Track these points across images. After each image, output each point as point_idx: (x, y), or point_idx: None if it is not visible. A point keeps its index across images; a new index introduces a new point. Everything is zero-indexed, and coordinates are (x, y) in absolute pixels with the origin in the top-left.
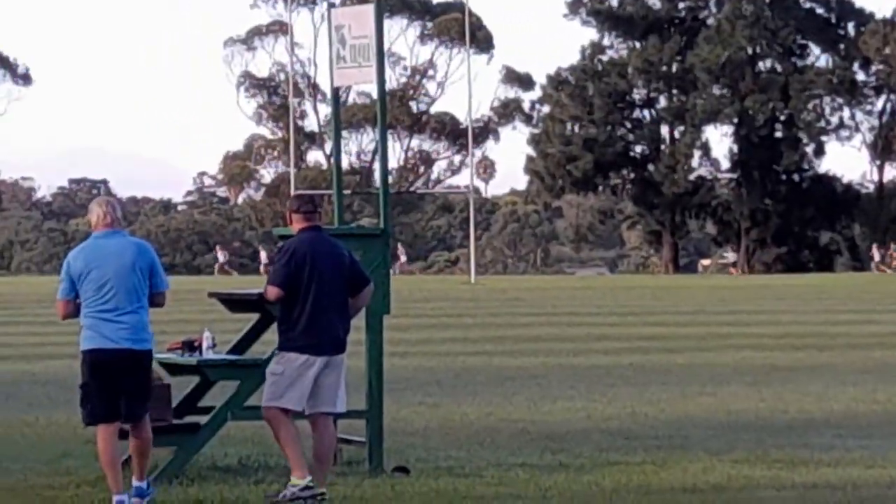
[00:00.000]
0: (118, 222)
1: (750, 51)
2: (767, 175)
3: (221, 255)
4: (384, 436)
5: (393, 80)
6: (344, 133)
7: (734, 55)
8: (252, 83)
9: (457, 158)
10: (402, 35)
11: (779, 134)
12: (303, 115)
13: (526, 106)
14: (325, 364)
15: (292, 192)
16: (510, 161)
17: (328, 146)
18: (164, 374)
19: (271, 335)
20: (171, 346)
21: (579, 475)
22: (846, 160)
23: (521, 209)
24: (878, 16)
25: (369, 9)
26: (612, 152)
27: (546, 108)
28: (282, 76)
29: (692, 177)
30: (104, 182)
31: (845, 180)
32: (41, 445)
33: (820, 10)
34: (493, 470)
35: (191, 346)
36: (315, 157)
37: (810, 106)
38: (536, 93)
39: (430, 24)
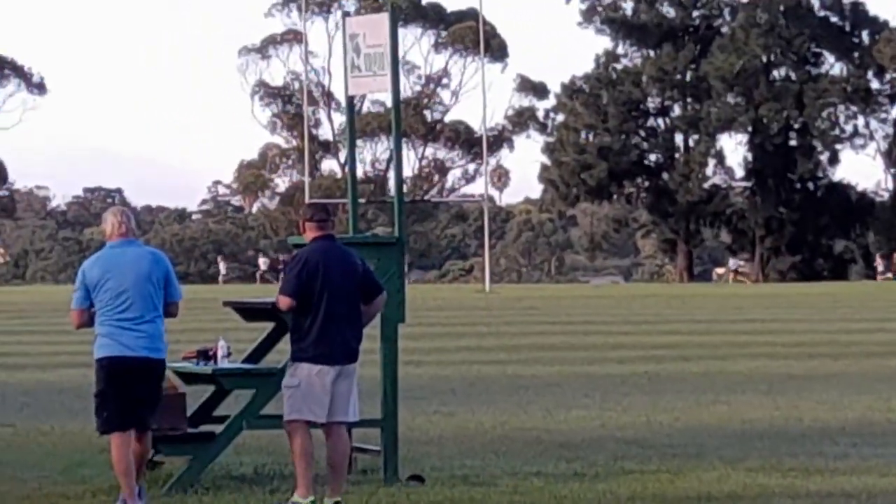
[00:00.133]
0: (133, 232)
1: (764, 59)
2: (782, 183)
3: (263, 263)
4: (399, 444)
5: (407, 88)
6: (358, 142)
7: (748, 63)
8: (267, 92)
9: (471, 167)
10: (417, 44)
11: (793, 142)
12: (317, 124)
13: (540, 114)
14: (337, 373)
15: (306, 201)
16: (524, 170)
17: (342, 155)
18: (179, 383)
19: (286, 344)
20: (187, 355)
21: (594, 484)
22: (861, 168)
23: (536, 218)
24: (893, 24)
25: (384, 17)
26: (627, 161)
27: (560, 117)
28: (296, 85)
29: (706, 185)
30: (119, 191)
31: (860, 188)
32: (56, 454)
33: (834, 19)
34: (508, 479)
35: (206, 355)
36: (329, 165)
37: (825, 114)
38: (551, 101)
39: (444, 33)
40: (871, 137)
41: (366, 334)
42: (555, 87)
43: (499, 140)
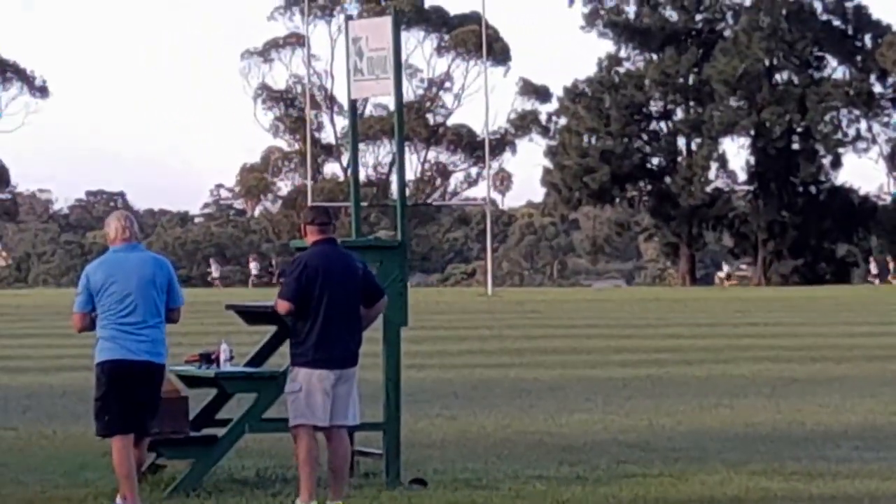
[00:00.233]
0: (136, 236)
1: (767, 63)
2: (784, 187)
3: (254, 268)
4: (401, 448)
5: (410, 92)
6: (361, 145)
7: (751, 67)
8: (269, 95)
9: (473, 170)
10: (419, 47)
11: (796, 146)
12: (320, 128)
13: (543, 118)
14: (337, 377)
15: (308, 205)
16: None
17: (345, 158)
18: (181, 386)
19: (288, 347)
20: (189, 358)
21: (597, 487)
22: (863, 172)
23: (538, 221)
24: (895, 28)
25: (386, 21)
26: (629, 164)
27: (563, 121)
28: (299, 88)
29: (709, 189)
30: (121, 194)
31: (862, 192)
32: (59, 457)
33: (837, 23)
34: (511, 482)
35: (208, 359)
36: (332, 169)
37: (827, 118)
38: (553, 105)
39: (447, 37)
40: (874, 141)
41: (368, 337)
42: (557, 91)
43: (501, 143)
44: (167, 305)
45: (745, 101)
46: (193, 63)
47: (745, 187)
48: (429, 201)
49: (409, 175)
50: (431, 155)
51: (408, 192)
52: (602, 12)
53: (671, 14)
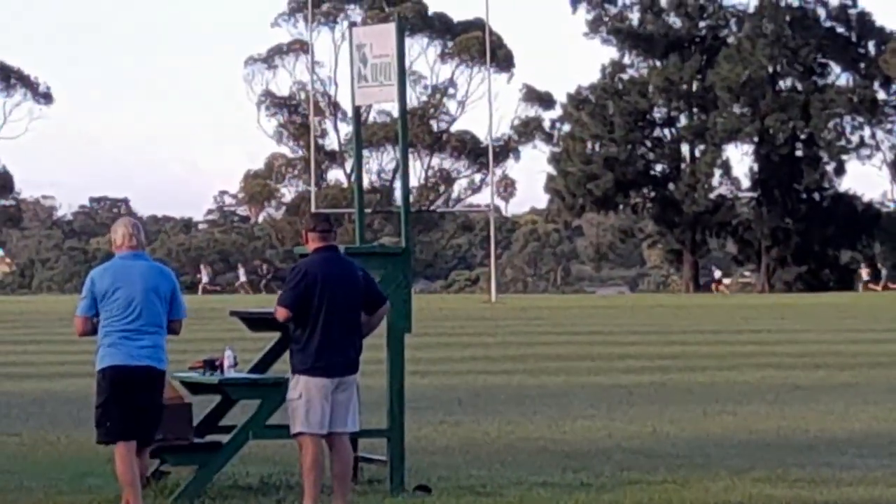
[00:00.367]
0: (142, 245)
1: (770, 69)
2: (788, 194)
3: (242, 274)
4: (405, 454)
5: (413, 98)
6: (364, 152)
7: (755, 74)
8: (273, 102)
9: (477, 177)
10: (423, 54)
11: (799, 153)
12: (323, 134)
13: (546, 125)
14: (336, 385)
15: (310, 212)
16: (530, 180)
17: (349, 165)
18: (185, 392)
19: (289, 355)
20: (193, 364)
21: (600, 494)
22: (866, 179)
23: (542, 228)
24: None
25: (390, 28)
26: (633, 171)
27: (566, 127)
28: (302, 95)
29: (712, 195)
30: (125, 201)
31: (866, 199)
32: (62, 463)
33: (841, 29)
34: (515, 489)
35: (212, 365)
36: (336, 175)
37: (831, 125)
38: (557, 111)
39: (450, 43)
40: (878, 148)
41: (372, 344)
42: (561, 98)
43: (505, 150)
44: (170, 316)
45: (749, 108)
46: (197, 69)
47: (749, 194)
48: (432, 208)
49: (413, 182)
50: (435, 161)
51: (411, 198)
52: (605, 19)
53: (675, 21)
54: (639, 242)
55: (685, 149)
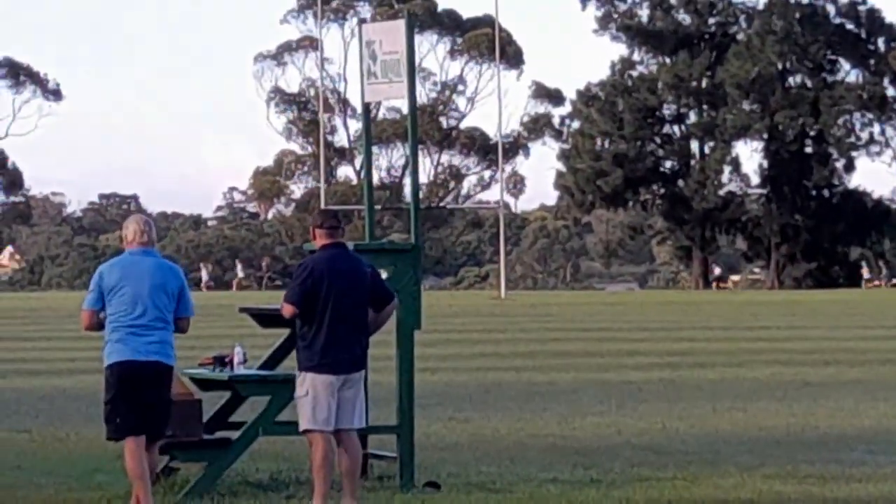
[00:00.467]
0: (153, 242)
1: (780, 66)
2: (797, 191)
3: (240, 271)
4: (415, 451)
5: (423, 95)
6: (374, 148)
7: (764, 70)
8: (282, 98)
9: (487, 174)
10: (433, 50)
11: (809, 149)
12: (333, 131)
13: (556, 121)
14: (343, 382)
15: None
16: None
17: (358, 161)
18: (194, 389)
19: (296, 352)
20: (203, 361)
21: (610, 490)
22: (876, 176)
23: (551, 224)
24: None
25: (400, 24)
26: (642, 168)
27: (576, 124)
28: (312, 91)
29: (722, 192)
30: (134, 197)
31: (875, 196)
32: (72, 460)
33: (850, 26)
34: (524, 485)
35: (222, 362)
36: (345, 172)
37: (840, 121)
38: (566, 108)
39: (459, 40)
40: (887, 145)
41: (382, 341)
42: (570, 94)
43: (514, 147)
44: (177, 314)
45: (759, 105)
46: (206, 66)
47: (759, 191)
48: (442, 204)
49: (423, 178)
50: (444, 158)
51: (421, 195)
52: (615, 16)
53: (684, 17)
54: (648, 239)
55: (695, 145)
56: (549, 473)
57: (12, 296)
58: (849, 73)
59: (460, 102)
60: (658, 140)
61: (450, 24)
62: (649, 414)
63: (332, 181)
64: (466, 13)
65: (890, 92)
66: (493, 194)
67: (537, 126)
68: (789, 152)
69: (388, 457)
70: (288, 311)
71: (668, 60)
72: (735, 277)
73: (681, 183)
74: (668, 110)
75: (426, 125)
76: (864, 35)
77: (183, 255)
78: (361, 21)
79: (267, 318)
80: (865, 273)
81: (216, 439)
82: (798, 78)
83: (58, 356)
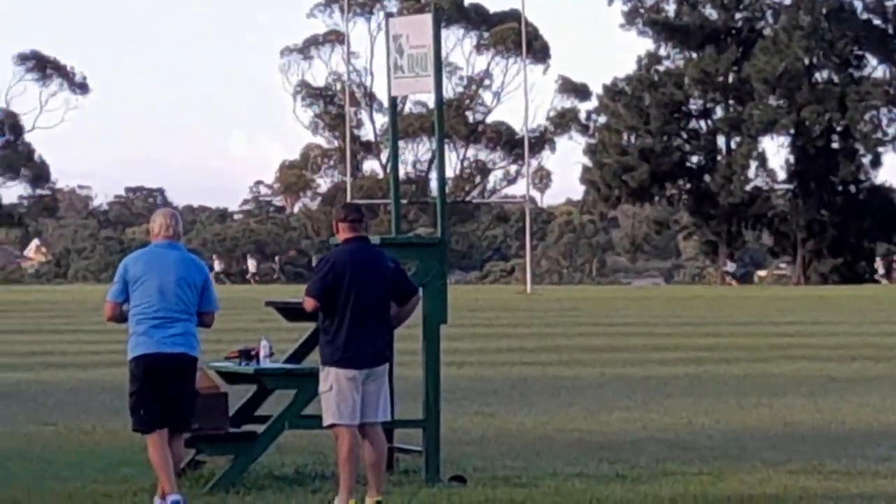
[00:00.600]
0: (179, 236)
1: (807, 61)
2: (824, 186)
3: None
4: (441, 445)
5: (449, 89)
6: (400, 143)
7: (791, 66)
8: (309, 92)
9: (513, 168)
10: (459, 45)
11: (835, 145)
12: (359, 125)
13: (582, 116)
14: (366, 375)
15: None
16: (566, 171)
17: (384, 155)
18: (221, 382)
19: (319, 346)
20: (229, 355)
21: (636, 485)
22: None
23: (577, 219)
24: None
25: (427, 18)
26: (669, 163)
27: (602, 119)
28: (338, 86)
29: (748, 187)
30: (161, 191)
31: None
32: (98, 453)
33: (877, 22)
34: (550, 479)
35: (248, 355)
36: (371, 166)
37: (867, 117)
38: (593, 103)
39: (486, 34)
40: None
41: (408, 335)
42: (597, 89)
43: (540, 141)
44: (201, 308)
45: (785, 100)
46: (233, 60)
47: (785, 186)
48: (468, 199)
49: (449, 173)
50: (471, 153)
51: (447, 189)
52: (642, 10)
53: (711, 12)
54: (674, 234)
55: (721, 140)
56: (575, 468)
57: (38, 288)
58: (875, 68)
59: (486, 97)
60: (684, 135)
61: (476, 19)
62: (675, 409)
63: (358, 175)
64: (493, 7)
65: None
66: (519, 189)
67: (563, 121)
68: (816, 148)
69: (414, 451)
70: (309, 304)
71: (694, 55)
72: (761, 273)
73: (707, 178)
74: (694, 105)
75: (452, 119)
76: (891, 31)
77: (209, 249)
78: (388, 15)
79: (293, 312)
80: (880, 268)
81: (242, 433)
82: (825, 73)
83: (84, 349)
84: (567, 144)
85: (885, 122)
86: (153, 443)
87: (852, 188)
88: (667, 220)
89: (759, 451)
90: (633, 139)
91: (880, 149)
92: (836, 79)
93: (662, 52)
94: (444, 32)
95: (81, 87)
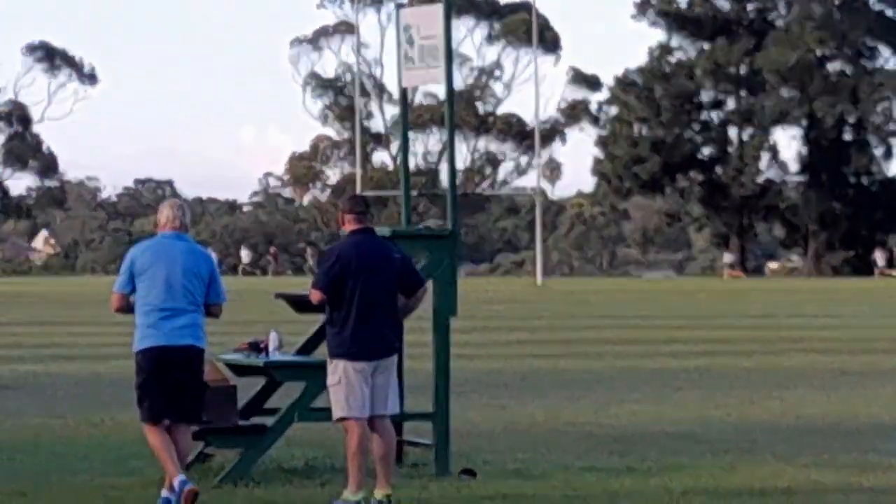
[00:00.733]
0: (186, 227)
1: (819, 53)
2: (836, 178)
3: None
4: (451, 438)
5: (460, 80)
6: (410, 134)
7: (803, 57)
8: (318, 83)
9: (523, 160)
10: (469, 35)
11: (847, 136)
12: (369, 116)
13: (593, 107)
14: (374, 368)
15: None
16: (577, 163)
17: (394, 147)
18: (230, 375)
19: (326, 339)
20: (238, 347)
21: (647, 478)
22: None
23: (588, 211)
24: None
25: (437, 9)
26: (680, 154)
27: (613, 110)
28: (348, 76)
29: (760, 179)
30: (170, 182)
31: None
32: (107, 445)
33: (889, 13)
34: (560, 473)
35: (257, 348)
36: (381, 157)
37: (879, 109)
38: (604, 94)
39: (497, 25)
40: None
41: (417, 327)
42: (608, 80)
43: (551, 133)
44: (209, 300)
45: (797, 92)
46: (243, 51)
47: (797, 178)
48: (478, 191)
49: (459, 164)
50: (481, 144)
51: (457, 181)
52: (653, 1)
53: (722, 3)
54: (686, 226)
55: (733, 132)
56: (586, 461)
57: (47, 280)
58: (888, 60)
59: (497, 88)
60: (696, 127)
61: (487, 10)
62: (686, 402)
63: (368, 167)
64: None
65: None
66: (529, 180)
67: (574, 112)
68: (828, 139)
69: (424, 444)
70: (316, 296)
71: (706, 46)
72: (773, 265)
73: (718, 170)
74: (706, 97)
75: (463, 111)
76: None
77: (218, 241)
78: (399, 6)
79: (302, 304)
80: (879, 261)
81: (251, 425)
82: (837, 65)
83: (92, 341)
84: (578, 136)
85: None
86: (150, 429)
87: (864, 180)
88: (678, 212)
89: (771, 444)
90: (644, 131)
91: (892, 140)
92: (848, 70)
93: (674, 43)
94: (454, 23)
95: (90, 78)
